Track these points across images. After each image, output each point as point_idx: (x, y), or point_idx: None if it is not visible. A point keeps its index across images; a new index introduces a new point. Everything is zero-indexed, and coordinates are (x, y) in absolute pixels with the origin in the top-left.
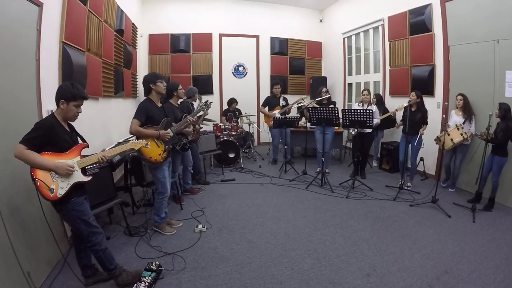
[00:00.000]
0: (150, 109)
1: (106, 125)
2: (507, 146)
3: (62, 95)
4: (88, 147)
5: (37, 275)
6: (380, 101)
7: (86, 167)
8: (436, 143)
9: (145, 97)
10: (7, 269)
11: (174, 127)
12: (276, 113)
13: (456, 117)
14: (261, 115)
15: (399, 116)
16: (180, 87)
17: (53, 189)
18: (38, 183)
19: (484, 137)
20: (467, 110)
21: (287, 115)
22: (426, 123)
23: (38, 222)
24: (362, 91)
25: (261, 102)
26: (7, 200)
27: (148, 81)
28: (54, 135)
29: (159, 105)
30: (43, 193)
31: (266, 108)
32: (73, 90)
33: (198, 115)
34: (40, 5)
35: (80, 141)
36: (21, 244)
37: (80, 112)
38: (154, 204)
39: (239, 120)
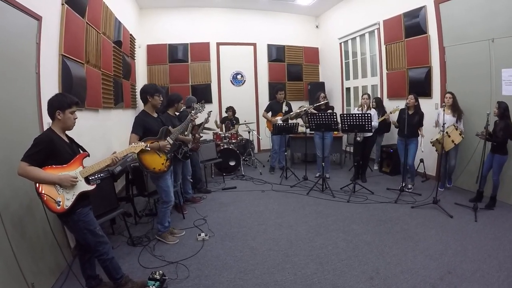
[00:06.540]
0: (147, 121)
1: (107, 136)
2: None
3: (57, 107)
4: (89, 156)
5: (41, 287)
6: (380, 105)
7: (89, 177)
8: (433, 145)
9: (142, 110)
10: (11, 281)
11: (172, 134)
12: (278, 119)
13: (446, 116)
14: (261, 122)
15: (394, 118)
16: (182, 101)
17: (60, 201)
18: (45, 197)
19: (485, 137)
20: (456, 109)
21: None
22: (422, 125)
23: (41, 234)
24: (362, 95)
25: (260, 110)
26: (9, 212)
27: (146, 91)
28: (54, 148)
29: (155, 115)
30: (50, 207)
31: (269, 114)
32: (66, 99)
33: (198, 123)
34: (39, 19)
35: (80, 151)
36: (24, 256)
37: (76, 118)
38: (158, 213)
39: (235, 127)
